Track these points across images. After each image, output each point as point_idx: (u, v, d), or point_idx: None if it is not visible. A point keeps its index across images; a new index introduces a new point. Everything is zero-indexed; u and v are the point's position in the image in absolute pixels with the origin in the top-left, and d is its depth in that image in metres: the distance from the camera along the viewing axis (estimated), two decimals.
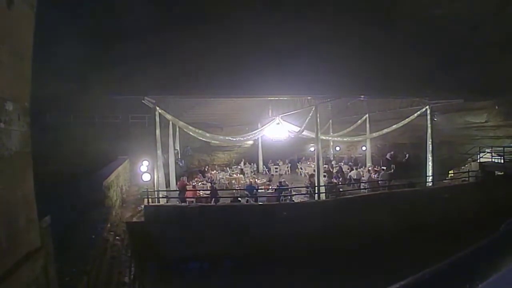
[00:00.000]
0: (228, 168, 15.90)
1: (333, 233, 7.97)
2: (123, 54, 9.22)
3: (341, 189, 10.97)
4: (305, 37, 9.69)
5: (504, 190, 9.87)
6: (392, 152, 16.40)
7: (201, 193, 10.37)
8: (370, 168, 14.05)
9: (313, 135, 11.31)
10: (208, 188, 10.68)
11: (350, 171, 13.44)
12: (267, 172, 16.60)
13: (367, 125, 15.41)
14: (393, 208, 9.17)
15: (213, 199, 9.53)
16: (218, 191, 10.31)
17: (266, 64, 9.53)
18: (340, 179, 12.75)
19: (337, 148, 20.40)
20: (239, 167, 15.82)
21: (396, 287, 0.57)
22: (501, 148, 11.28)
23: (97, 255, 4.54)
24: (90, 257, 4.16)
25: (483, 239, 0.69)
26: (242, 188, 11.60)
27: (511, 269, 0.58)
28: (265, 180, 12.73)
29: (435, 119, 12.21)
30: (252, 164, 16.92)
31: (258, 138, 16.22)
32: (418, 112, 11.89)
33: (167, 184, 10.44)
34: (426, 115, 11.65)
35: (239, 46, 9.58)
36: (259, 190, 10.74)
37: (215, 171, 15.23)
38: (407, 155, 16.18)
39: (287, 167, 17.21)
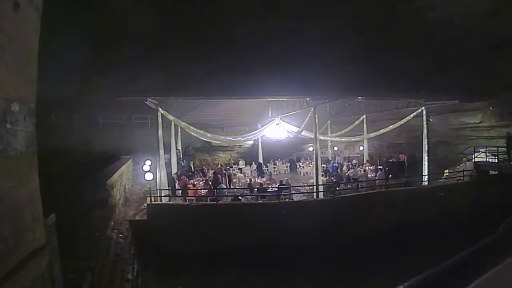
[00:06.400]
0: (229, 168, 16.10)
1: (332, 231, 8.14)
2: (126, 56, 9.37)
3: (338, 188, 11.19)
4: (304, 39, 9.86)
5: (498, 189, 10.10)
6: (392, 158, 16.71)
7: (202, 192, 10.56)
8: (367, 168, 14.28)
9: (311, 135, 11.49)
10: (209, 180, 10.81)
11: (348, 171, 13.66)
12: (266, 171, 16.79)
13: (365, 126, 15.62)
14: (390, 207, 9.37)
15: (215, 189, 9.64)
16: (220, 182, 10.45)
17: (265, 65, 9.67)
18: (337, 178, 12.94)
19: (335, 148, 20.65)
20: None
21: None
22: (495, 148, 11.52)
23: (101, 252, 4.56)
24: (94, 254, 4.17)
25: (482, 238, 0.69)
26: (242, 187, 11.82)
27: (510, 268, 0.58)
28: (265, 179, 12.94)
29: (431, 119, 12.46)
30: (251, 164, 17.09)
31: (258, 138, 16.43)
32: (414, 113, 12.12)
33: (169, 183, 10.63)
34: (422, 116, 11.88)
35: (239, 48, 9.75)
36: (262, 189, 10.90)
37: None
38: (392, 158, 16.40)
39: (286, 167, 17.43)
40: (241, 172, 15.17)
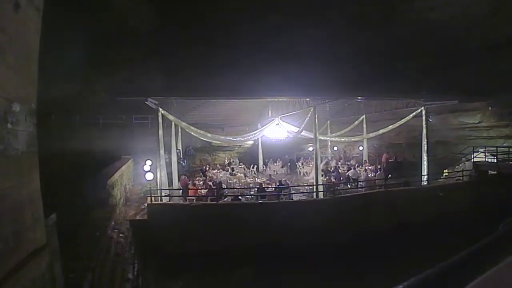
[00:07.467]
0: (229, 167, 16.12)
1: (332, 231, 8.15)
2: (126, 56, 9.39)
3: (337, 187, 11.21)
4: (304, 39, 9.90)
5: (497, 188, 10.12)
6: (386, 154, 16.77)
7: (202, 192, 10.56)
8: (367, 167, 14.31)
9: (311, 135, 11.49)
10: (213, 187, 10.86)
11: (348, 171, 13.68)
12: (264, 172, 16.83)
13: (364, 126, 15.64)
14: (390, 207, 9.39)
15: (217, 195, 9.69)
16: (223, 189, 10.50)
17: (266, 65, 9.71)
18: (341, 178, 12.95)
19: (335, 148, 20.69)
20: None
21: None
22: (494, 148, 11.51)
23: (101, 252, 4.61)
24: (94, 254, 4.21)
25: (482, 238, 0.70)
26: (242, 187, 11.84)
27: (510, 267, 0.59)
28: (265, 179, 12.95)
29: (430, 119, 12.47)
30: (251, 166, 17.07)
31: (258, 138, 16.45)
32: (414, 113, 12.12)
33: (170, 183, 10.64)
34: (421, 116, 11.89)
35: (239, 48, 9.78)
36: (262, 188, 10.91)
37: (216, 170, 15.44)
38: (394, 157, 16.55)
39: (284, 167, 17.44)
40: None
